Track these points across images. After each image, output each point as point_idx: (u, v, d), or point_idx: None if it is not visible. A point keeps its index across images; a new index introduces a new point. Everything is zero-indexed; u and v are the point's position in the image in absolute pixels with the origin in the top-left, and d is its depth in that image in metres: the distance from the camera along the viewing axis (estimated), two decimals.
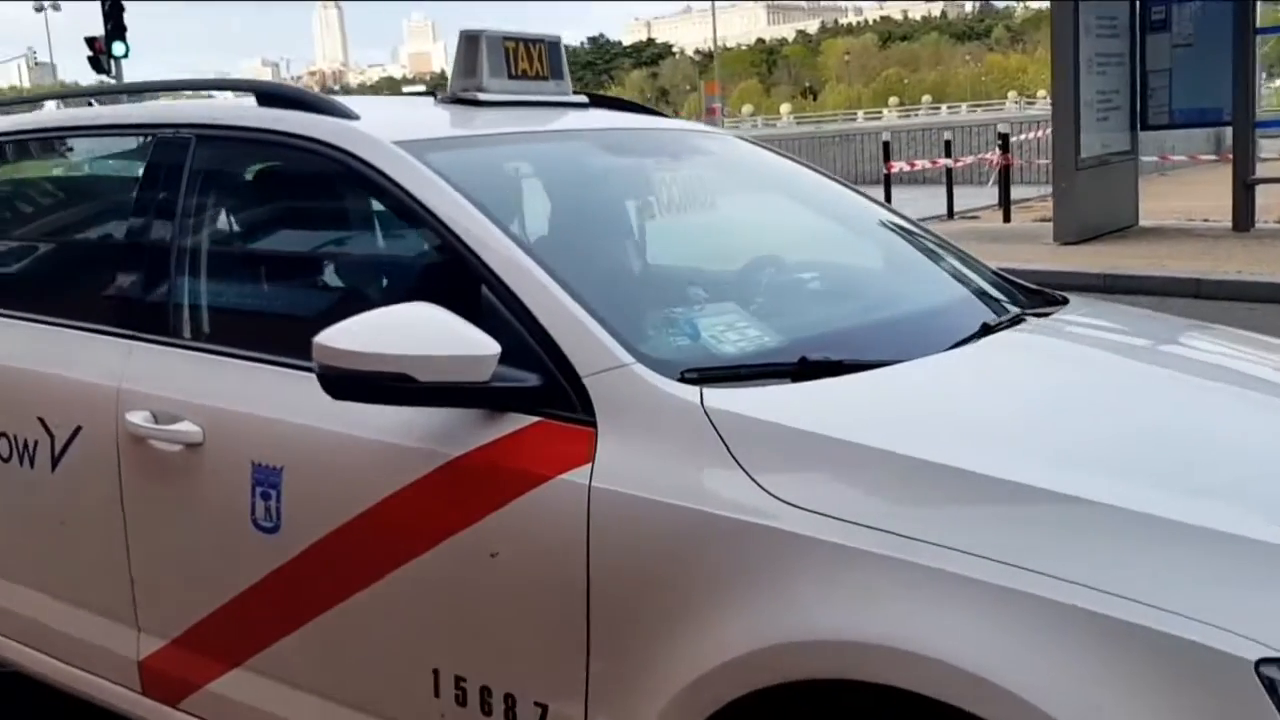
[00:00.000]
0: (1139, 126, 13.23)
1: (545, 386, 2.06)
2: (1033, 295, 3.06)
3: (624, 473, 1.95)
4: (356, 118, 2.53)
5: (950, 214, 16.73)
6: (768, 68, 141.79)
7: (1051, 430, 2.04)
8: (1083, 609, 1.57)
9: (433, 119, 2.94)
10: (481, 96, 2.95)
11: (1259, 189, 12.68)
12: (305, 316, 2.53)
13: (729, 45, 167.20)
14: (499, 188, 2.64)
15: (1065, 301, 3.00)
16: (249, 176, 2.84)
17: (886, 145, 16.63)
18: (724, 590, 1.83)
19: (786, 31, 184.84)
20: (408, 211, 2.37)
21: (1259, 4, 12.50)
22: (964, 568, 1.65)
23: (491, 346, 2.00)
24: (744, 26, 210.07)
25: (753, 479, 1.86)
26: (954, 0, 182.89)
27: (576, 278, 2.22)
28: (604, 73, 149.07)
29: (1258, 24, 12.45)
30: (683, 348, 2.21)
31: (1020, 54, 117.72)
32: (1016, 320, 2.64)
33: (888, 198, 16.11)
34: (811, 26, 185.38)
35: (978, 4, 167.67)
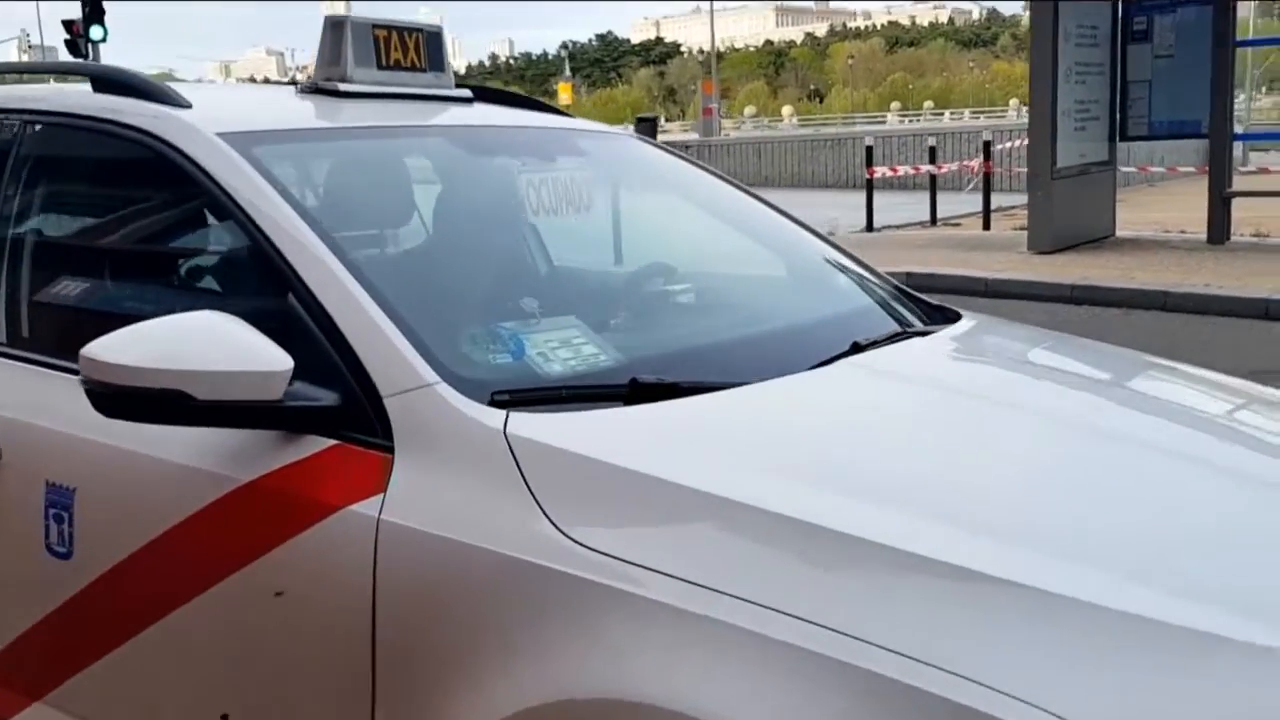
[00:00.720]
0: (1118, 137, 13.13)
1: (344, 407, 1.91)
2: (930, 312, 2.94)
3: (416, 505, 1.80)
4: (187, 106, 2.39)
5: (933, 220, 16.66)
6: (775, 70, 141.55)
7: (869, 465, 1.90)
8: (870, 671, 1.43)
9: (278, 109, 2.82)
10: (343, 87, 2.82)
11: (1237, 202, 12.58)
12: (105, 319, 2.30)
13: (737, 46, 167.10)
14: (329, 186, 2.52)
15: (957, 318, 2.89)
16: (68, 166, 2.69)
17: (869, 150, 16.50)
18: (513, 640, 1.68)
19: (795, 34, 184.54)
20: (220, 208, 2.21)
21: (1240, 16, 12.39)
22: (747, 620, 1.51)
23: (283, 362, 1.85)
24: (753, 28, 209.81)
25: (546, 515, 1.71)
26: (962, 1, 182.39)
27: (394, 287, 2.09)
28: (611, 70, 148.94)
29: (1238, 37, 12.35)
30: (501, 367, 2.07)
31: (1025, 61, 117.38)
32: (893, 339, 2.53)
33: (869, 203, 16.05)
34: (820, 30, 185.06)
35: (985, 11, 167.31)
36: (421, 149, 2.84)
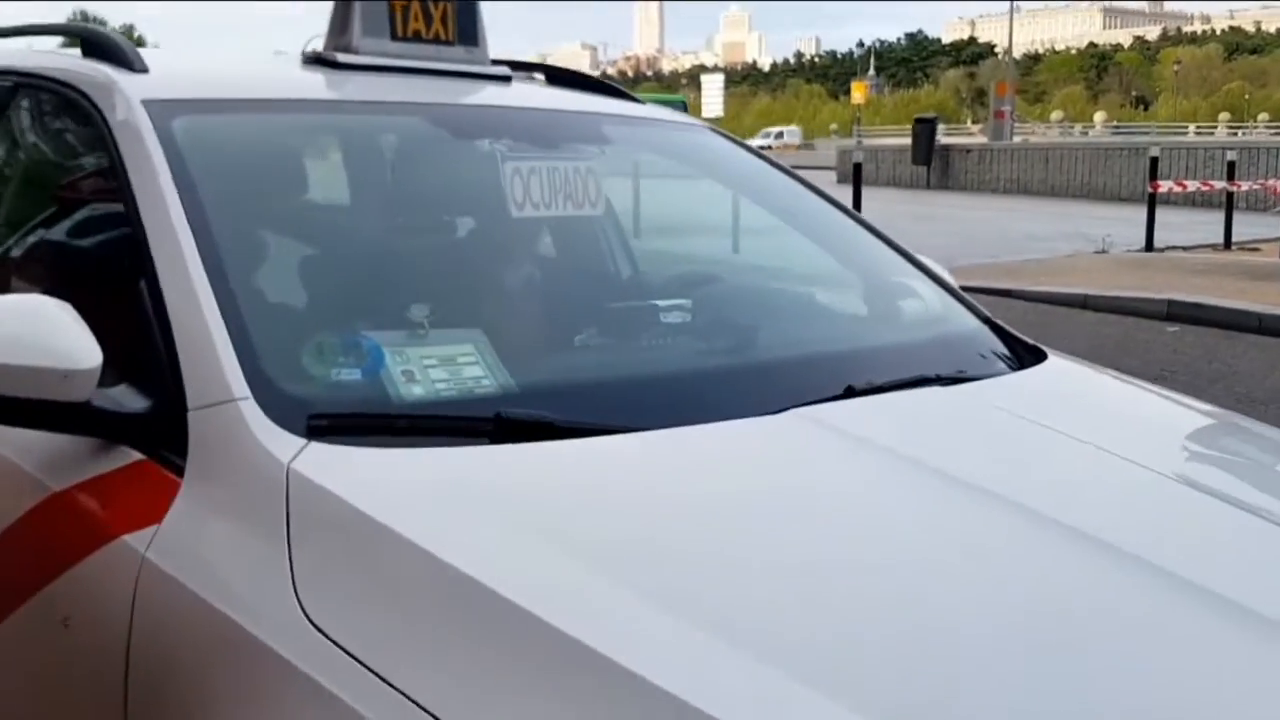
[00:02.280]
0: None
1: (151, 416, 1.71)
2: (1018, 353, 2.49)
3: (180, 545, 1.58)
4: (142, 70, 2.20)
5: (1226, 243, 15.19)
6: (1097, 74, 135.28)
7: (682, 552, 1.52)
8: None
9: (248, 80, 2.55)
10: (340, 58, 2.54)
11: None
12: None
13: (1058, 48, 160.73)
14: (251, 165, 2.24)
15: (1035, 362, 2.45)
16: (16, 125, 2.56)
17: (1154, 161, 15.10)
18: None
19: (1123, 37, 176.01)
20: (113, 177, 2.02)
21: None
22: None
23: (88, 359, 1.64)
24: (1077, 29, 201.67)
25: (293, 580, 1.43)
26: None
27: (258, 284, 1.86)
28: (918, 70, 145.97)
29: None
30: (339, 384, 1.76)
31: None
32: (906, 385, 2.12)
33: (1150, 219, 14.79)
34: (1151, 33, 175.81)
35: None
36: (386, 128, 2.50)
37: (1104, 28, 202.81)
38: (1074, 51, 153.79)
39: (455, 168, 2.50)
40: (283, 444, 1.58)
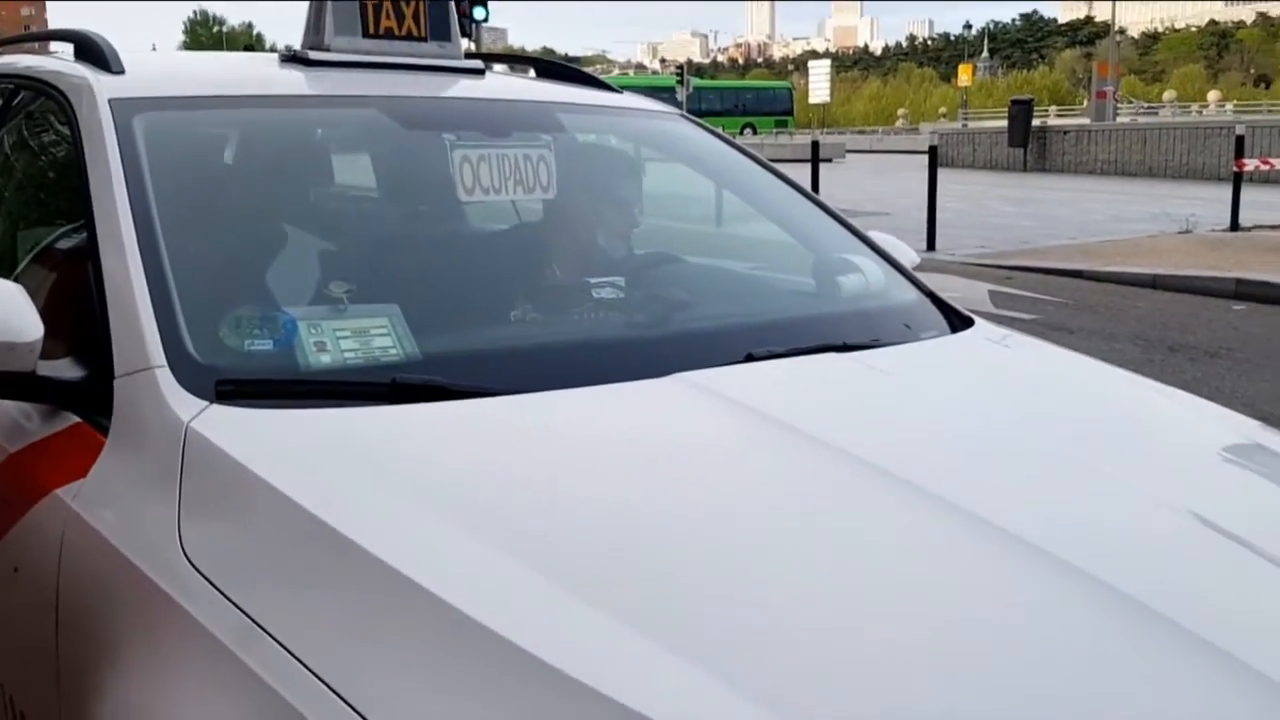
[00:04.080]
0: None
1: (86, 383, 1.89)
2: (952, 323, 2.62)
3: (100, 496, 1.75)
4: (119, 71, 2.41)
5: None
6: (1217, 52, 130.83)
7: (530, 509, 1.62)
8: None
9: (218, 78, 2.75)
10: (313, 55, 2.76)
11: None
12: None
13: (1177, 27, 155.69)
14: (199, 156, 2.46)
15: (963, 328, 2.58)
16: (8, 125, 2.77)
17: (1240, 140, 14.78)
18: (129, 658, 1.57)
19: (1246, 13, 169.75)
20: (78, 171, 2.21)
21: None
22: (287, 680, 1.33)
23: (31, 333, 1.83)
24: (1198, 7, 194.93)
25: (179, 524, 1.60)
26: None
27: (192, 262, 2.03)
28: (1033, 51, 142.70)
29: None
30: (250, 354, 1.94)
31: None
32: (807, 351, 2.25)
33: (1235, 198, 14.50)
34: (1275, 9, 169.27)
35: None
36: (336, 119, 2.70)
37: (1226, 4, 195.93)
38: (1194, 29, 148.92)
39: (405, 155, 2.67)
40: (187, 406, 1.74)
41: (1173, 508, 1.80)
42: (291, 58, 2.77)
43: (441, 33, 2.90)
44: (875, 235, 3.02)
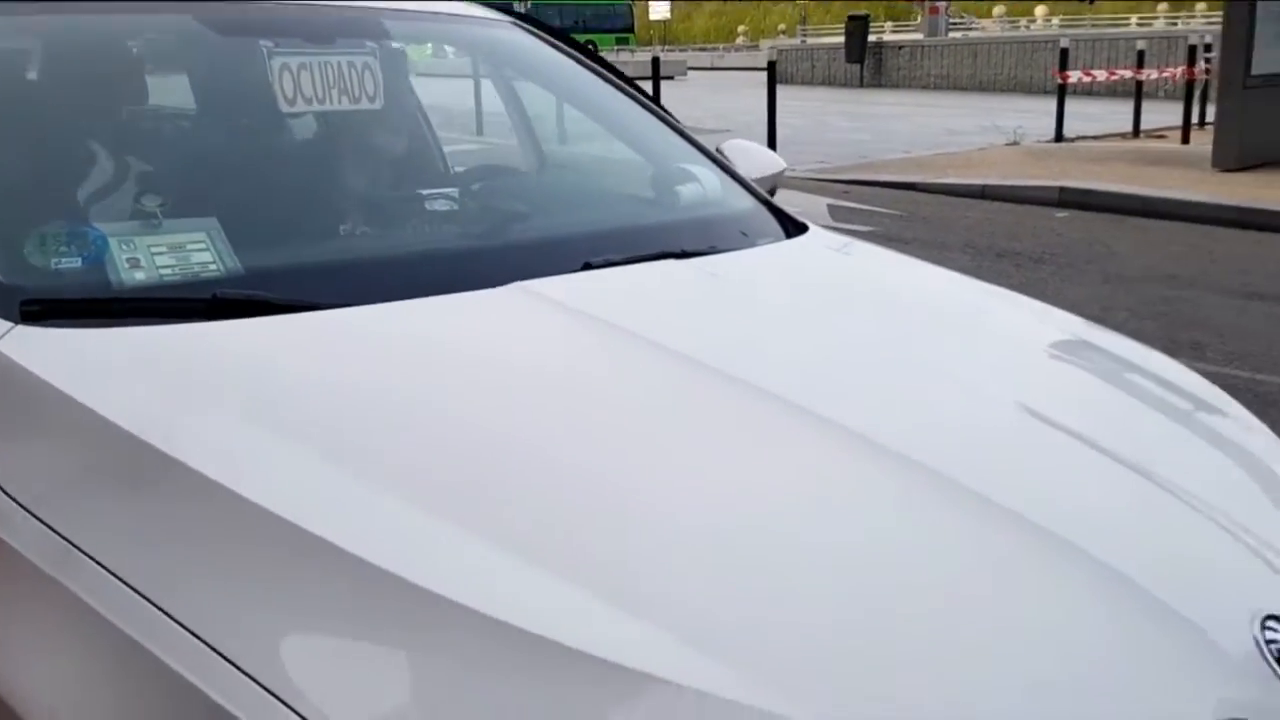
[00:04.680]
0: None
1: None
2: (788, 230, 2.68)
3: None
4: None
5: (1135, 131, 15.54)
6: None
7: (333, 420, 1.58)
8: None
9: None
10: None
11: None
12: None
13: None
14: (5, 69, 2.35)
15: (797, 234, 2.64)
16: None
17: (1064, 53, 15.34)
18: None
19: None
20: None
21: None
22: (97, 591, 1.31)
23: None
24: None
25: None
26: None
27: None
28: None
29: None
30: (56, 272, 1.86)
31: None
32: (642, 259, 2.24)
33: (1060, 110, 15.09)
34: None
35: None
36: (152, 27, 2.59)
37: None
38: None
39: (221, 65, 2.57)
40: None
41: (1006, 402, 1.87)
42: None
43: None
44: (739, 143, 3.05)
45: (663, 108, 3.11)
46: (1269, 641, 1.38)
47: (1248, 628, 1.39)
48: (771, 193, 3.00)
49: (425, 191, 2.49)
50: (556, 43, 3.11)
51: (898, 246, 8.52)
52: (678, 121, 3.06)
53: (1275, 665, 1.36)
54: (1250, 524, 1.62)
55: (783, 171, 3.10)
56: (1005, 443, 1.74)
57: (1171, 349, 5.91)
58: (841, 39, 29.26)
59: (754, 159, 3.04)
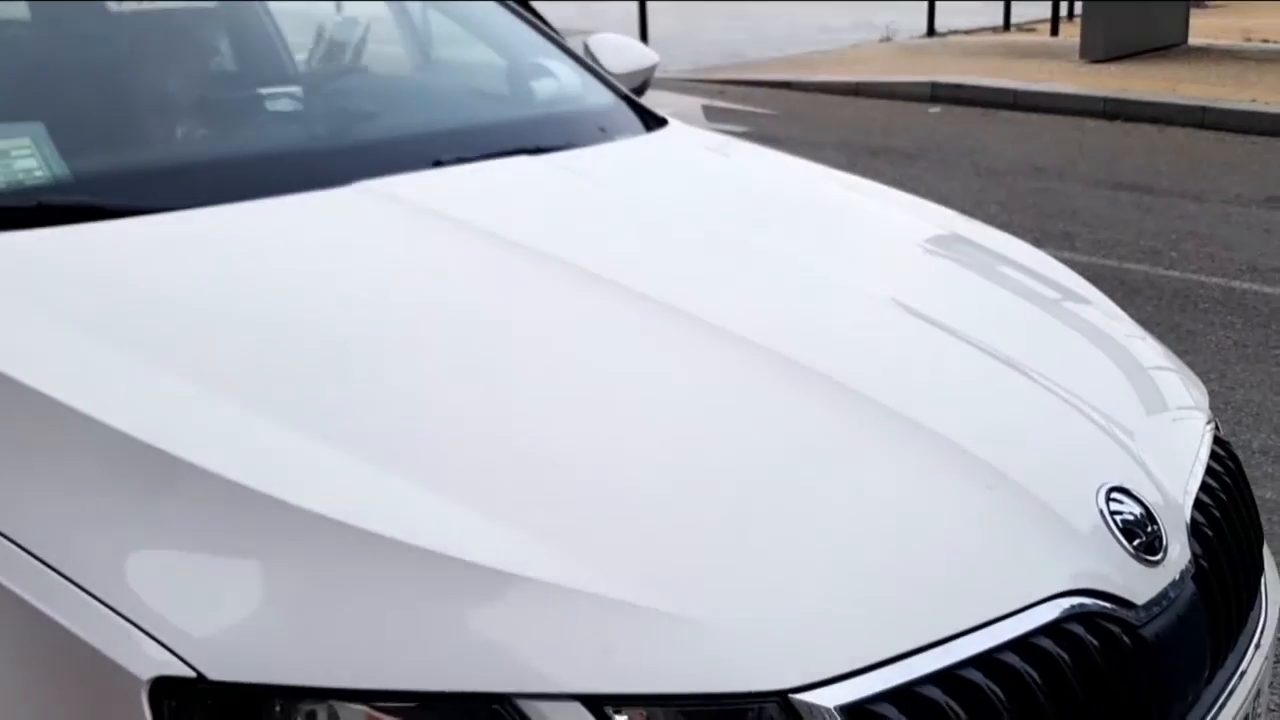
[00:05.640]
0: None
1: None
2: (650, 123, 2.64)
3: None
4: None
5: (1006, 25, 15.63)
6: None
7: (183, 321, 1.54)
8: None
9: None
10: None
11: None
12: None
13: None
14: None
15: (656, 128, 2.60)
16: None
17: None
18: None
19: None
20: None
21: None
22: None
23: None
24: None
25: None
26: None
27: None
28: None
29: None
30: None
31: None
32: (495, 156, 2.22)
33: (931, 5, 15.08)
34: None
35: None
36: None
37: None
38: None
39: None
40: None
41: (862, 290, 1.88)
42: None
43: None
44: (607, 37, 3.02)
45: (529, 6, 3.02)
46: (1114, 513, 1.42)
47: (1093, 500, 1.43)
48: (643, 88, 2.97)
49: (266, 91, 2.42)
50: None
51: (771, 145, 8.46)
52: (538, 18, 2.98)
53: (1120, 536, 1.40)
54: (1102, 404, 1.66)
55: (654, 66, 3.05)
56: (857, 328, 1.75)
57: (1041, 240, 6.00)
58: None
59: (624, 53, 3.00)
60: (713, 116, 9.77)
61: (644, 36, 12.99)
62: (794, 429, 1.44)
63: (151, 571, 1.15)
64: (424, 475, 1.25)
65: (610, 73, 2.84)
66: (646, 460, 1.35)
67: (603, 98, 2.71)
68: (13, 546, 1.16)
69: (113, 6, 2.29)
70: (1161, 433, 1.72)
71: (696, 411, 1.45)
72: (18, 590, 1.14)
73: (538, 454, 1.32)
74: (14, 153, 1.87)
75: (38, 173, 1.84)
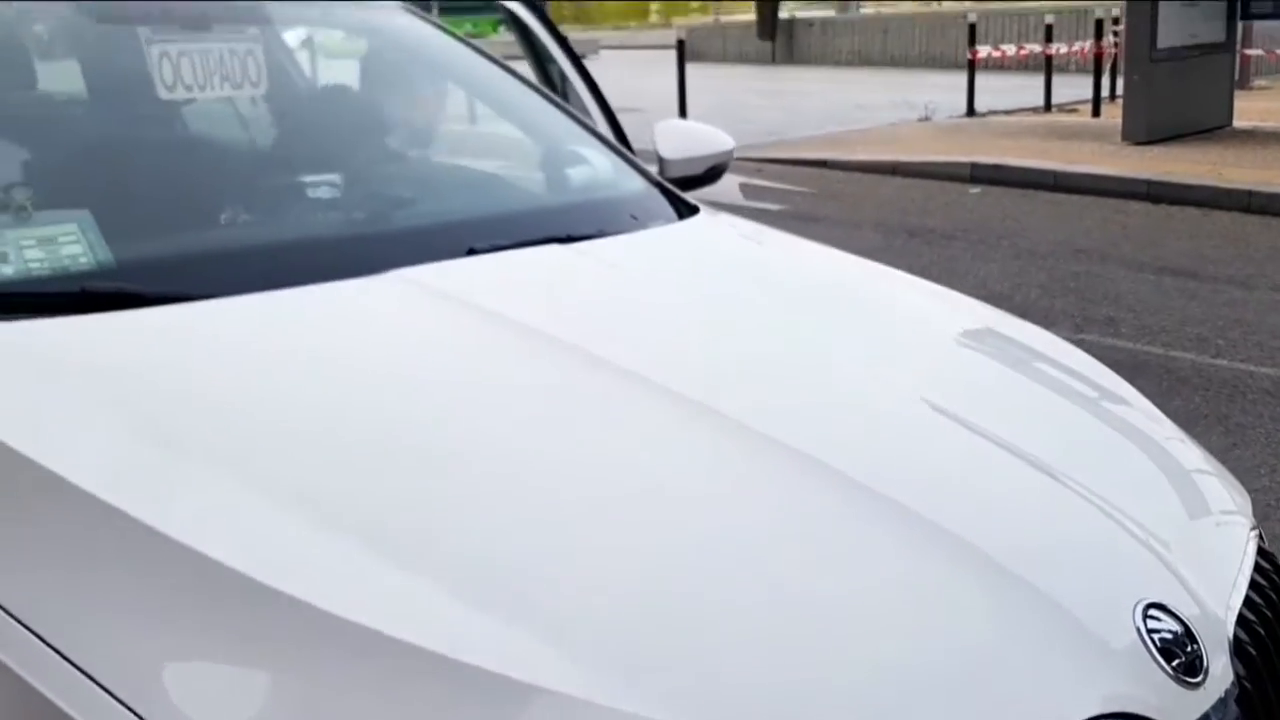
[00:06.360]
0: (1239, 15, 11.90)
1: None
2: (681, 210, 2.62)
3: None
4: None
5: (1047, 106, 15.57)
6: None
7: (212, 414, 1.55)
8: None
9: None
10: None
11: None
12: None
13: None
14: None
15: (690, 214, 2.59)
16: None
17: (972, 28, 15.33)
18: None
19: None
20: None
21: None
22: None
23: None
24: None
25: None
26: None
27: None
28: None
29: None
30: None
31: None
32: (531, 244, 2.20)
33: (970, 85, 15.09)
34: None
35: None
36: (23, 16, 2.49)
37: None
38: None
39: (97, 53, 2.49)
40: None
41: (889, 386, 1.83)
42: None
43: None
44: (676, 123, 3.05)
45: (543, 90, 3.01)
46: (1151, 631, 1.37)
47: (1129, 617, 1.37)
48: (720, 172, 2.99)
49: (308, 178, 2.42)
50: (445, 26, 3.05)
51: (809, 224, 8.45)
52: (570, 108, 2.97)
53: (1158, 655, 1.34)
54: (1139, 513, 1.60)
55: (732, 150, 3.03)
56: (886, 429, 1.71)
57: (1084, 325, 5.87)
58: (754, 16, 29.29)
59: (695, 138, 3.01)
60: (750, 195, 9.73)
61: (683, 115, 13.03)
62: (815, 533, 1.40)
63: (154, 660, 1.15)
64: (444, 576, 1.23)
65: (680, 158, 2.87)
66: (670, 567, 1.31)
67: (635, 184, 2.70)
68: (32, 637, 1.17)
69: (164, 93, 2.31)
70: (1202, 543, 1.66)
71: (719, 514, 1.42)
72: (32, 681, 1.15)
73: (561, 556, 1.30)
74: (61, 239, 1.91)
75: (83, 259, 1.88)
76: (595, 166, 2.72)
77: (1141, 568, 1.49)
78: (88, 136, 2.38)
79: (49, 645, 1.16)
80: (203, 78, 2.37)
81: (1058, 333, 2.50)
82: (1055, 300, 6.33)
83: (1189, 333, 5.76)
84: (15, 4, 2.49)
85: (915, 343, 2.17)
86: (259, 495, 1.33)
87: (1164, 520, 1.64)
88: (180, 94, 2.36)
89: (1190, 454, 1.94)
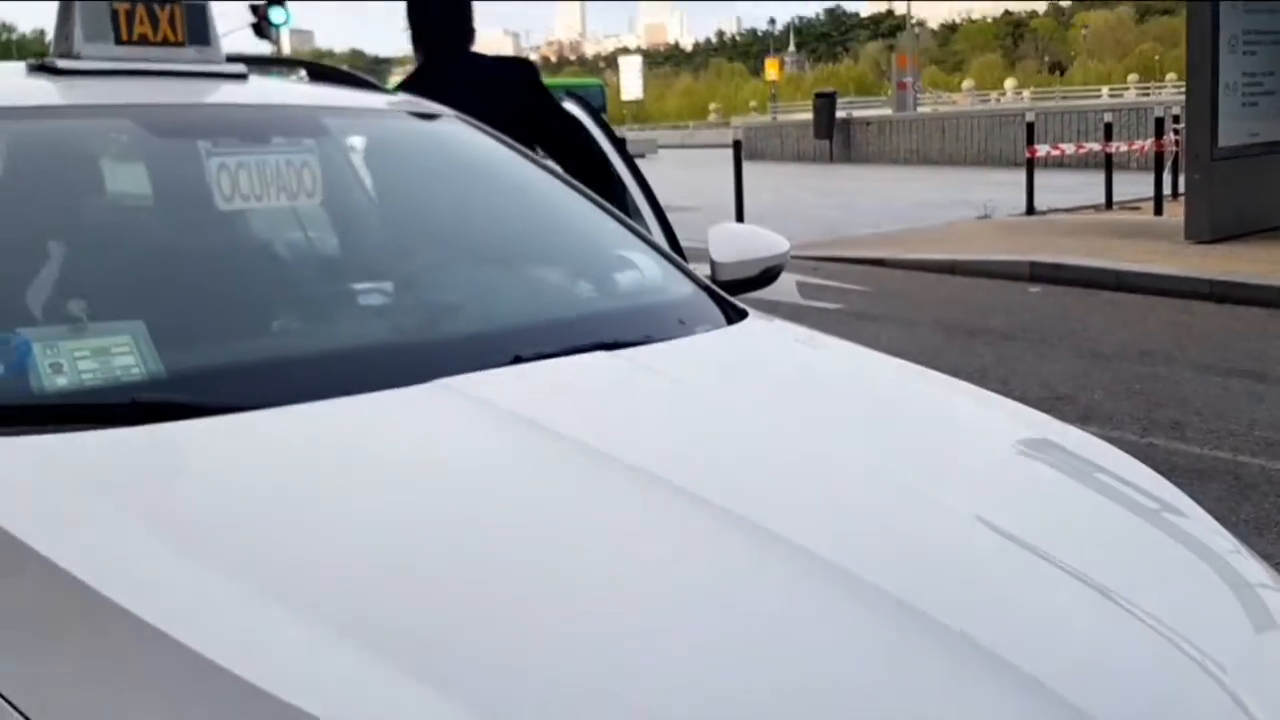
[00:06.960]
0: None
1: None
2: (730, 314, 2.61)
3: None
4: None
5: (1108, 203, 15.53)
6: (1013, 41, 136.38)
7: (237, 525, 1.57)
8: None
9: None
10: (61, 64, 2.60)
11: None
12: None
13: (974, 18, 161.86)
14: None
15: (737, 320, 2.58)
16: None
17: (1030, 127, 15.38)
18: None
19: (1039, 5, 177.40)
20: None
21: None
22: None
23: None
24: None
25: None
26: None
27: None
28: (838, 44, 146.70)
29: None
30: None
31: None
32: (576, 351, 2.21)
33: (1029, 183, 15.08)
34: (1065, 1, 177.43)
35: None
36: (85, 131, 2.55)
37: None
38: (990, 20, 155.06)
39: (158, 165, 2.55)
40: None
41: (948, 507, 1.79)
42: (39, 67, 2.61)
43: (200, 37, 2.77)
44: (731, 226, 3.06)
45: (592, 195, 3.03)
46: None
47: None
48: (775, 274, 2.99)
49: (359, 286, 2.46)
50: (497, 135, 3.08)
51: (866, 324, 8.40)
52: (617, 211, 2.98)
53: None
54: (1199, 636, 1.56)
55: (787, 252, 3.02)
56: (939, 548, 1.66)
57: (1150, 428, 5.77)
58: (811, 115, 29.59)
59: (752, 241, 3.00)
60: (807, 293, 9.73)
61: (740, 214, 13.11)
62: (862, 654, 1.38)
63: None
64: (475, 701, 1.21)
65: (734, 261, 2.87)
66: (707, 688, 1.29)
67: (683, 288, 2.69)
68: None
69: (222, 204, 2.36)
70: (1265, 665, 1.60)
71: (759, 633, 1.39)
72: None
73: (597, 673, 1.29)
74: (114, 349, 1.93)
75: (134, 370, 1.90)
76: (643, 271, 2.72)
77: (1202, 695, 1.46)
78: (146, 248, 2.42)
79: None
80: (259, 188, 2.41)
81: (1123, 436, 2.47)
82: (1120, 403, 6.24)
83: (1257, 436, 5.64)
84: (82, 120, 2.56)
85: (969, 455, 2.14)
86: (298, 621, 1.32)
87: (1226, 641, 1.60)
88: (237, 204, 2.40)
89: (1251, 568, 1.89)
